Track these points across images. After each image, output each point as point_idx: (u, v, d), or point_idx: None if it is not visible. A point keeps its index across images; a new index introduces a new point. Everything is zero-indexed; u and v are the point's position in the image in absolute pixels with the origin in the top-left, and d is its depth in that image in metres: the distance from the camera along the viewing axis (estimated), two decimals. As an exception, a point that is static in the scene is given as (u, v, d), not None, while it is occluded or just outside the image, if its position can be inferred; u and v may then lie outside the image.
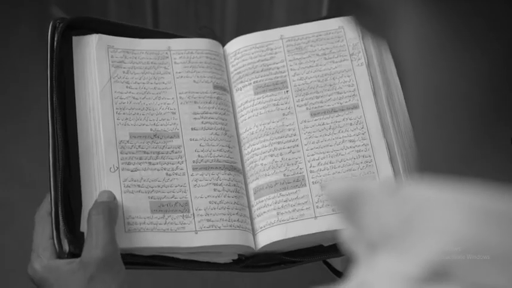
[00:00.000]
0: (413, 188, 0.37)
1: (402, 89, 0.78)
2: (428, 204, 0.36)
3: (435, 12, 0.36)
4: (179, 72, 0.81)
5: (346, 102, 0.78)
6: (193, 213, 0.74)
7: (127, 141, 0.76)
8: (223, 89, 0.81)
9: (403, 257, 0.36)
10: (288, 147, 0.76)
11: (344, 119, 0.77)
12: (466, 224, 0.35)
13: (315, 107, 0.78)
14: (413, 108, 0.39)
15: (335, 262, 0.77)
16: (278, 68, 0.80)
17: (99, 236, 0.68)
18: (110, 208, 0.70)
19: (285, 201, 0.74)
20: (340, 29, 0.81)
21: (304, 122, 0.77)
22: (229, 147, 0.78)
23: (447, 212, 0.36)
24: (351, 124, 0.77)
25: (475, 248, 0.35)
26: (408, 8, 0.38)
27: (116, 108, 0.77)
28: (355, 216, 0.39)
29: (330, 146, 0.76)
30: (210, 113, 0.79)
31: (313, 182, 0.75)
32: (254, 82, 0.80)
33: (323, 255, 0.75)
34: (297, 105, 0.78)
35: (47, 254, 0.70)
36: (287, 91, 0.79)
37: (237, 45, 0.82)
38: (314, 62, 0.80)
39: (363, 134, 0.76)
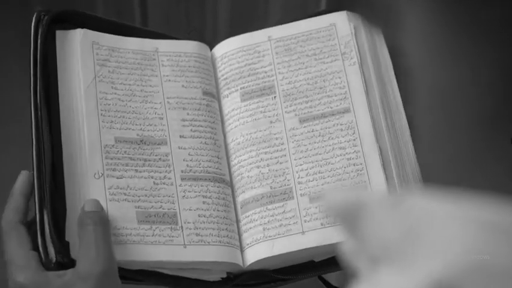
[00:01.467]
0: (416, 199, 0.37)
1: (400, 86, 0.78)
2: (432, 217, 0.36)
3: (441, 6, 0.37)
4: (167, 76, 0.80)
5: (337, 106, 0.77)
6: (182, 226, 0.74)
7: (113, 146, 0.75)
8: (212, 95, 0.81)
9: (406, 272, 0.36)
10: (276, 158, 0.76)
11: (334, 125, 0.76)
12: (472, 238, 0.35)
13: (304, 113, 0.77)
14: (418, 108, 0.41)
15: (331, 277, 0.77)
16: (266, 72, 0.80)
17: (100, 249, 0.68)
18: (105, 218, 0.71)
19: (272, 215, 0.74)
20: (331, 27, 0.80)
21: (293, 129, 0.77)
22: (219, 158, 0.78)
23: (452, 226, 0.36)
24: (341, 130, 0.76)
25: (481, 263, 0.35)
26: (413, 2, 0.38)
27: (101, 110, 0.76)
28: (355, 229, 0.39)
29: (319, 154, 0.75)
30: (199, 121, 0.79)
31: (301, 195, 0.74)
32: (241, 88, 0.79)
33: (315, 272, 0.75)
34: (285, 112, 0.78)
35: (32, 265, 0.69)
36: (275, 97, 0.78)
37: (224, 48, 0.82)
38: (304, 63, 0.79)
39: (354, 140, 0.75)
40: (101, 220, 0.70)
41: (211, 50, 0.83)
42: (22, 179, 0.74)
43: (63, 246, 0.70)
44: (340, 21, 0.79)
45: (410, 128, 0.76)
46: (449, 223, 0.36)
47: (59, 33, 0.79)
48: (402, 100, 0.77)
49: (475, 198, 0.36)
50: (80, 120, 0.75)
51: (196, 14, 0.86)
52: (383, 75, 0.78)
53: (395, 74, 0.78)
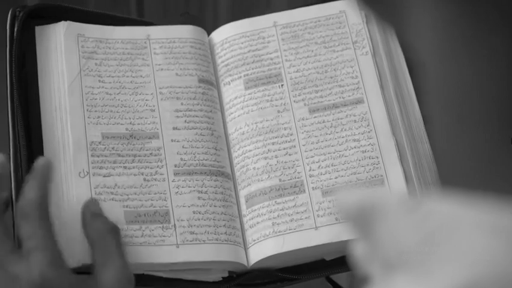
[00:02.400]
0: (435, 204, 0.37)
1: (413, 80, 0.76)
2: (454, 224, 0.35)
3: None
4: (160, 64, 0.78)
5: (349, 96, 0.76)
6: (174, 225, 0.71)
7: (99, 143, 0.74)
8: (210, 83, 0.79)
9: (424, 281, 0.35)
10: (284, 149, 0.74)
11: (347, 116, 0.75)
12: (494, 246, 0.34)
13: (314, 103, 0.76)
14: (430, 106, 0.39)
15: (340, 278, 0.75)
16: (272, 59, 0.78)
17: (124, 259, 0.66)
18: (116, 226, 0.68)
19: (281, 209, 0.72)
20: (341, 14, 0.79)
21: (302, 119, 0.75)
22: (216, 150, 0.76)
23: (473, 233, 0.35)
24: (355, 121, 0.74)
25: (504, 273, 0.33)
26: None
27: (87, 105, 0.75)
28: (369, 232, 0.38)
29: (332, 146, 0.74)
30: (195, 110, 0.77)
31: (313, 188, 0.72)
32: (244, 75, 0.77)
33: (326, 271, 0.72)
34: (294, 101, 0.76)
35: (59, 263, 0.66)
36: (282, 85, 0.77)
37: (224, 33, 0.80)
38: (312, 51, 0.78)
39: (369, 132, 0.74)
40: (117, 228, 0.68)
41: (208, 35, 0.81)
42: None
43: None
44: (350, 8, 0.78)
45: (423, 120, 0.74)
46: (471, 230, 0.35)
47: (38, 29, 0.78)
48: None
49: (496, 203, 0.35)
50: (64, 117, 0.74)
51: (195, 1, 0.82)
52: (396, 67, 0.77)
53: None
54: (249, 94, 0.77)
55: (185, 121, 0.76)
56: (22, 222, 0.65)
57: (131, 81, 0.77)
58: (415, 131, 0.74)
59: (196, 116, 0.76)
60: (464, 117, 0.37)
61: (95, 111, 0.75)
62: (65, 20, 0.78)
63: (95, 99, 0.75)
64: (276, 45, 0.78)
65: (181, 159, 0.75)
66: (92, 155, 0.73)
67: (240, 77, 0.77)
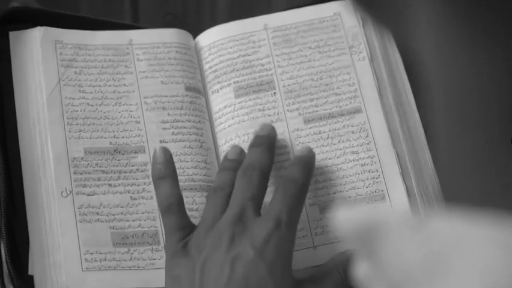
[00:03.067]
0: (440, 221, 0.36)
1: (411, 83, 0.75)
2: (459, 241, 0.35)
3: None
4: (144, 72, 0.76)
5: (346, 105, 0.74)
6: (164, 246, 0.70)
7: (82, 158, 0.72)
8: (197, 90, 0.77)
9: None
10: (278, 162, 0.72)
11: (344, 126, 0.73)
12: (505, 264, 0.34)
13: (309, 112, 0.74)
14: (433, 113, 0.39)
15: None
16: (263, 65, 0.76)
17: None
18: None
19: None
20: (336, 16, 0.77)
21: (297, 130, 0.73)
22: (206, 163, 0.74)
23: (482, 250, 0.35)
24: (353, 132, 0.73)
25: None
26: None
27: (67, 118, 0.73)
28: (372, 251, 0.38)
29: (329, 159, 0.72)
30: (182, 121, 0.75)
31: (310, 204, 0.71)
32: (234, 82, 0.75)
33: None
34: (288, 110, 0.74)
35: None
36: (275, 93, 0.75)
37: (212, 37, 0.78)
38: (306, 56, 0.76)
39: (368, 143, 0.72)
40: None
41: (194, 38, 0.79)
42: None
43: (25, 283, 0.67)
44: (345, 10, 0.76)
45: (424, 130, 0.73)
46: (482, 248, 0.35)
47: (12, 35, 0.76)
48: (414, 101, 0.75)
49: (501, 218, 0.35)
50: (43, 131, 0.72)
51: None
52: (394, 73, 0.75)
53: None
54: (239, 103, 0.75)
55: (172, 133, 0.74)
56: (159, 183, 0.68)
57: (113, 91, 0.75)
58: (415, 141, 0.73)
59: (184, 127, 0.75)
60: (465, 118, 0.37)
61: (77, 124, 0.73)
62: (42, 24, 0.76)
63: (76, 111, 0.73)
64: (268, 49, 0.76)
65: None
66: (74, 172, 0.71)
67: (230, 84, 0.76)
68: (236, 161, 0.70)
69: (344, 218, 0.39)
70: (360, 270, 0.39)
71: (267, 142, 0.71)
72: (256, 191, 0.67)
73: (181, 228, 0.67)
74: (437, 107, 0.38)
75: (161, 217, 0.69)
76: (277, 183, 0.67)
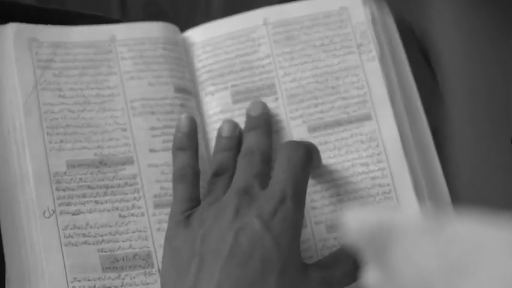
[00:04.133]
0: (459, 225, 0.36)
1: (427, 82, 0.73)
2: (480, 248, 0.35)
3: None
4: (129, 72, 0.74)
5: (354, 111, 0.72)
6: (159, 269, 0.69)
7: (64, 173, 0.70)
8: (187, 91, 0.75)
9: None
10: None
11: (352, 135, 0.72)
12: None
13: (314, 119, 0.72)
14: (453, 109, 0.38)
15: None
16: (263, 67, 0.74)
17: None
18: None
19: None
20: (342, 11, 0.75)
21: (301, 139, 0.71)
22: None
23: (505, 259, 0.35)
24: (362, 141, 0.71)
25: None
26: None
27: (47, 127, 0.71)
28: (383, 256, 0.38)
29: (337, 172, 0.71)
30: (173, 127, 0.73)
31: (316, 222, 0.70)
32: (232, 86, 0.74)
33: None
34: (291, 118, 0.73)
35: None
36: (277, 98, 0.73)
37: (206, 33, 0.76)
38: (310, 56, 0.74)
39: (378, 154, 0.71)
40: None
41: (182, 31, 0.77)
42: None
43: None
44: (353, 4, 0.74)
45: (438, 134, 0.72)
46: (505, 254, 0.35)
47: None
48: (429, 101, 0.73)
49: None
50: (20, 143, 0.70)
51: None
52: (403, 75, 0.74)
53: (422, 66, 0.74)
54: (238, 110, 0.73)
55: (163, 141, 0.73)
56: (178, 153, 0.70)
57: (96, 94, 0.73)
58: (426, 151, 0.72)
59: None
60: (489, 112, 0.38)
61: (57, 134, 0.71)
62: (14, 20, 0.73)
63: (56, 118, 0.72)
64: (268, 48, 0.74)
65: (161, 187, 0.71)
66: (57, 189, 0.69)
67: (227, 87, 0.74)
68: (232, 138, 0.70)
69: (353, 219, 0.39)
70: (370, 277, 0.39)
71: (262, 123, 0.70)
72: (260, 170, 0.67)
73: (189, 200, 0.67)
74: (459, 99, 0.39)
75: (173, 186, 0.69)
76: (281, 150, 0.66)
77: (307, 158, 0.65)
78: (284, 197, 0.63)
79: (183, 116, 0.70)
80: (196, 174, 0.69)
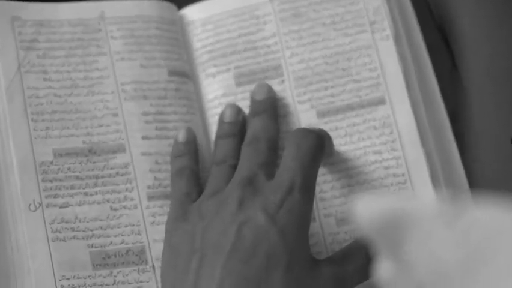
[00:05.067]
0: (478, 211, 0.36)
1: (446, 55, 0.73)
2: (502, 234, 0.35)
3: None
4: (119, 53, 0.74)
5: (367, 94, 0.72)
6: (153, 265, 0.69)
7: (51, 163, 0.70)
8: (184, 74, 0.75)
9: None
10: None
11: (364, 121, 0.71)
12: None
13: (324, 103, 0.72)
14: (473, 91, 0.42)
15: None
16: (269, 47, 0.74)
17: None
18: None
19: None
20: None
21: (310, 125, 0.71)
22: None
23: None
24: (375, 128, 0.71)
25: None
26: None
27: (32, 113, 0.71)
28: (397, 248, 0.38)
29: (348, 160, 0.70)
30: (167, 113, 0.73)
31: (325, 215, 0.69)
32: (235, 67, 0.74)
33: None
34: (298, 102, 0.72)
35: None
36: (283, 81, 0.73)
37: (207, 10, 0.75)
38: (320, 35, 0.73)
39: (392, 141, 0.70)
40: None
41: (179, 9, 0.77)
42: None
43: None
44: None
45: (456, 119, 0.72)
46: None
47: None
48: (447, 83, 0.73)
49: None
50: (3, 130, 0.70)
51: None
52: (419, 56, 0.74)
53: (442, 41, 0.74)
54: (241, 93, 0.73)
55: (156, 128, 0.72)
56: (176, 159, 0.70)
57: (84, 77, 0.73)
58: (443, 137, 0.72)
59: (169, 121, 0.73)
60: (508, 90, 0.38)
61: (43, 120, 0.71)
62: None
63: (42, 103, 0.71)
64: (274, 27, 0.74)
65: (155, 178, 0.71)
66: (43, 180, 0.69)
67: (229, 69, 0.74)
68: (235, 124, 0.70)
69: (364, 208, 0.39)
70: (383, 270, 0.39)
71: (268, 108, 0.70)
72: (266, 159, 0.66)
73: (187, 194, 0.67)
74: (477, 83, 0.40)
75: (171, 184, 0.69)
76: (289, 137, 0.66)
77: (319, 145, 0.65)
78: (292, 188, 0.62)
79: (182, 130, 0.71)
80: (195, 173, 0.69)
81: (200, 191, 0.68)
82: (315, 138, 0.65)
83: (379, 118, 0.71)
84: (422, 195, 0.69)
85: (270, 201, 0.62)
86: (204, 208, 0.65)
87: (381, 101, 0.71)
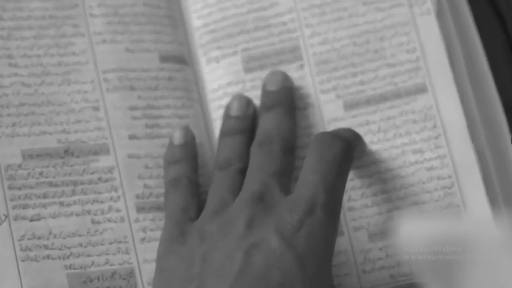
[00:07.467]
0: None
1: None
2: None
3: None
4: (100, 34, 0.75)
5: (404, 81, 0.72)
6: None
7: (19, 166, 0.71)
8: (179, 60, 0.76)
9: None
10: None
11: (402, 113, 0.72)
12: None
13: (351, 93, 0.73)
14: None
15: None
16: (285, 24, 0.75)
17: None
18: None
19: None
20: None
21: (335, 120, 0.73)
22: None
23: None
24: (414, 121, 0.71)
25: None
26: None
27: None
28: (449, 280, 0.38)
29: (381, 162, 0.71)
30: (159, 107, 0.74)
31: (354, 228, 0.70)
32: (243, 50, 0.75)
33: None
34: (321, 91, 0.73)
35: None
36: (302, 65, 0.73)
37: None
38: (346, 10, 0.74)
39: (436, 138, 0.71)
40: None
41: None
42: None
43: None
44: None
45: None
46: None
47: None
48: (500, 67, 0.73)
49: None
50: None
51: None
52: (465, 31, 0.74)
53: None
54: (251, 81, 0.74)
55: (145, 125, 0.73)
56: (169, 167, 0.70)
57: (58, 63, 0.74)
58: (496, 130, 0.72)
59: (161, 117, 0.74)
60: None
61: (8, 115, 0.72)
62: None
63: (7, 95, 0.72)
64: (291, 1, 0.75)
65: (145, 185, 0.72)
66: (10, 187, 0.70)
67: (236, 52, 0.74)
68: (244, 119, 0.71)
69: (409, 231, 0.39)
70: None
71: (284, 100, 0.70)
72: (281, 166, 0.67)
73: (184, 209, 0.68)
74: None
75: (164, 197, 0.70)
76: (311, 144, 0.66)
77: (346, 154, 0.65)
78: (313, 206, 0.62)
79: (180, 127, 0.72)
80: (193, 183, 0.69)
81: (199, 205, 0.69)
82: (342, 147, 0.65)
83: (419, 109, 0.72)
84: (473, 205, 0.70)
85: (286, 222, 0.62)
86: (206, 229, 0.66)
87: (421, 89, 0.72)
